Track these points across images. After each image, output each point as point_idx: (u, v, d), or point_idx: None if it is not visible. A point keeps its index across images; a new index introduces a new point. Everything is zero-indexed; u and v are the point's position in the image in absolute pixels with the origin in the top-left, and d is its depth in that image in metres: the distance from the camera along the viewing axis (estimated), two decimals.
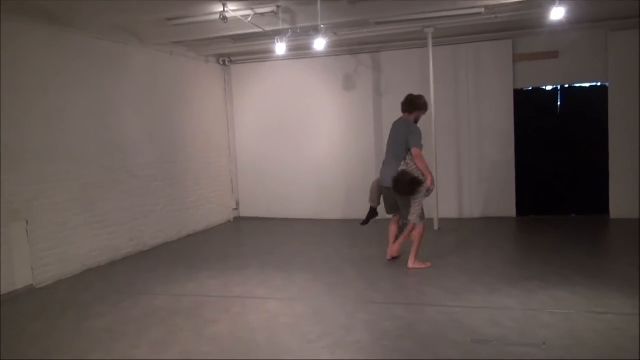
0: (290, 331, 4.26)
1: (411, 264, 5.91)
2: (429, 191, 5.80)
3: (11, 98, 5.59)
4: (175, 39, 7.56)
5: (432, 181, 5.76)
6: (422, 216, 5.85)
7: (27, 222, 5.73)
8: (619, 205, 8.13)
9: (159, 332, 4.35)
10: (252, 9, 6.04)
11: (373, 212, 6.30)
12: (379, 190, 6.14)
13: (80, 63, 6.51)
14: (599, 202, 8.31)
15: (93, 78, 6.70)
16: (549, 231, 7.60)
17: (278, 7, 6.06)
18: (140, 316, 4.75)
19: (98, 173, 6.72)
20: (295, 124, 9.56)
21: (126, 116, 7.27)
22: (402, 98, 6.20)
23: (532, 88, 8.63)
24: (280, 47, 7.21)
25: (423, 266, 5.90)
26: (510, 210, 8.66)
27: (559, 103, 8.55)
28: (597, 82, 8.31)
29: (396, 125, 6.07)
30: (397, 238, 6.18)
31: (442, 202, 8.31)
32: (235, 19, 6.10)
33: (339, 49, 8.79)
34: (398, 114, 6.16)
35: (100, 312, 4.90)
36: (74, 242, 6.31)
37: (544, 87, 8.61)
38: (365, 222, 6.35)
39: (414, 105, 6.03)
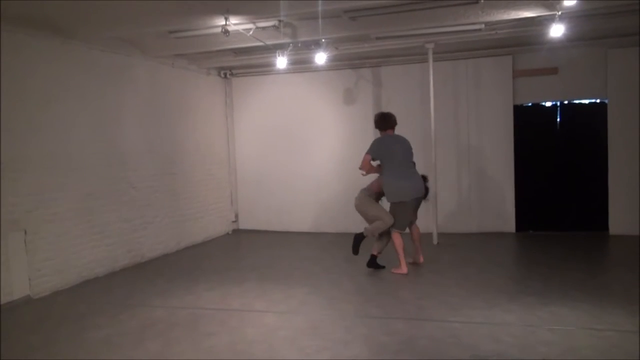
0: (289, 345, 4.23)
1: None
2: None
3: (13, 108, 5.61)
4: (178, 52, 7.61)
5: None
6: None
7: (25, 232, 5.72)
8: (619, 221, 8.12)
9: (156, 344, 4.33)
10: (254, 22, 6.09)
11: (360, 239, 6.54)
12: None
13: (83, 74, 6.54)
14: (598, 218, 8.30)
15: (95, 89, 6.73)
16: (548, 247, 7.59)
17: (280, 21, 6.11)
18: (137, 328, 4.72)
19: (98, 184, 6.72)
20: (296, 137, 9.58)
21: (127, 127, 7.29)
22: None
23: (532, 104, 8.66)
24: (282, 61, 7.25)
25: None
26: (510, 226, 8.65)
27: (558, 119, 8.58)
28: (597, 98, 8.35)
29: (401, 141, 6.31)
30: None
31: (441, 216, 8.30)
32: (237, 32, 6.15)
33: (339, 63, 8.84)
34: (398, 128, 6.31)
35: (97, 324, 4.87)
36: (72, 253, 6.29)
37: (543, 103, 8.64)
38: (356, 251, 6.58)
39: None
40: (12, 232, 5.58)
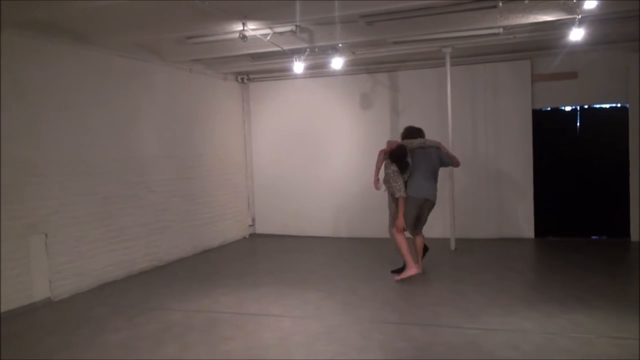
0: (304, 350, 4.23)
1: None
2: None
3: (33, 114, 5.71)
4: (195, 57, 7.67)
5: None
6: None
7: (46, 235, 5.81)
8: None
9: (173, 348, 4.35)
10: (271, 28, 6.12)
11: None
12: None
13: (102, 79, 6.63)
14: (618, 224, 8.17)
15: (114, 94, 6.82)
16: (568, 253, 7.48)
17: (297, 26, 6.13)
18: (154, 332, 4.76)
19: (117, 188, 6.80)
20: (312, 142, 9.59)
21: (145, 132, 7.37)
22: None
23: (551, 109, 8.58)
24: (298, 66, 7.28)
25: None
26: (529, 231, 8.55)
27: (578, 124, 8.48)
28: (617, 103, 8.23)
29: (430, 149, 6.27)
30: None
31: (459, 222, 8.23)
32: (255, 37, 6.19)
33: (356, 67, 8.84)
34: None
35: (115, 327, 4.92)
36: (91, 257, 6.37)
37: (563, 108, 8.55)
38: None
39: None
40: (33, 235, 5.67)
